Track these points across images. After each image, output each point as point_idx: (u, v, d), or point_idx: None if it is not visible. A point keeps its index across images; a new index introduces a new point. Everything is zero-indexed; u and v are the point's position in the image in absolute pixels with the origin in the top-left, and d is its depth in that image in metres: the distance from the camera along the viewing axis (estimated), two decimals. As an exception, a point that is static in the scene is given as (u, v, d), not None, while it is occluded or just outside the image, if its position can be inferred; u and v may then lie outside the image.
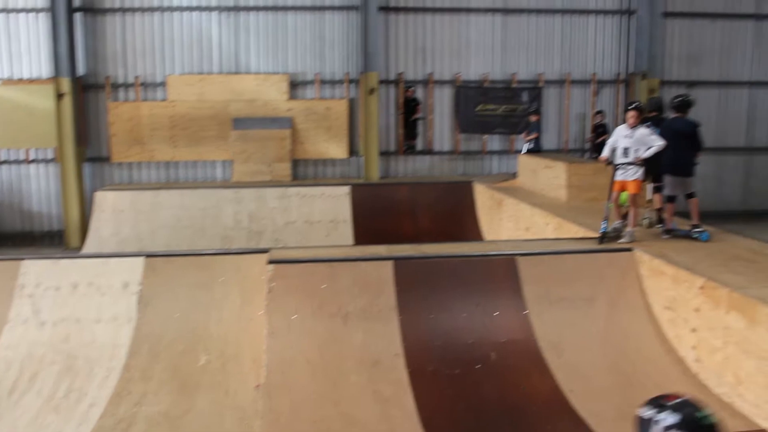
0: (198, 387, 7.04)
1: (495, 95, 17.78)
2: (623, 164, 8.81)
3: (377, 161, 17.07)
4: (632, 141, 8.73)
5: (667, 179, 9.21)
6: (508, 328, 7.52)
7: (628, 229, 8.80)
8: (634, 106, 8.88)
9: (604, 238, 8.80)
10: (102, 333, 7.72)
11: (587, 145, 17.83)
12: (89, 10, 16.42)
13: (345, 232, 15.10)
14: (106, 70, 16.67)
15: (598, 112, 17.36)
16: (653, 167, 9.16)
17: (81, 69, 16.45)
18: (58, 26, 15.57)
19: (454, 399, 6.53)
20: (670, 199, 9.19)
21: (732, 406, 6.26)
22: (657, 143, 8.63)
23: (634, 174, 8.80)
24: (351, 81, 17.38)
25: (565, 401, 6.53)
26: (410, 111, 17.40)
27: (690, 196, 9.18)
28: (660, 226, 9.35)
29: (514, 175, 15.95)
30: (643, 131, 8.75)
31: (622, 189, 8.95)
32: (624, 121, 8.99)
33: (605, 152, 9.14)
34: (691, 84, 18.22)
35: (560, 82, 18.04)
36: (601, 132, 16.68)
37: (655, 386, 6.74)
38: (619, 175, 8.88)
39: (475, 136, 18.04)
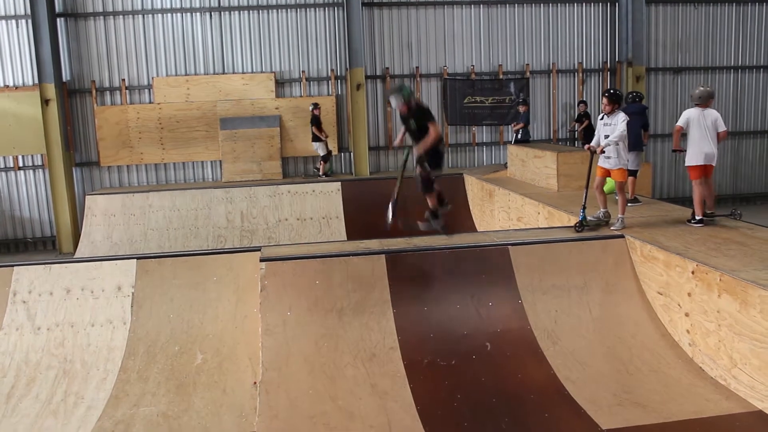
0: (195, 386, 7.03)
1: (482, 87, 17.82)
2: (605, 151, 8.81)
3: (367, 156, 17.09)
4: (610, 128, 8.78)
5: (632, 155, 10.43)
6: (502, 317, 7.53)
7: (619, 215, 8.83)
8: (605, 93, 8.93)
9: (581, 225, 8.85)
10: (97, 336, 7.71)
11: (569, 134, 17.97)
12: (71, 15, 16.35)
13: (337, 228, 15.13)
14: (91, 75, 16.63)
15: (581, 102, 17.43)
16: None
17: (66, 74, 16.40)
18: (40, 32, 15.51)
19: (450, 390, 6.53)
20: (633, 173, 10.77)
21: (727, 388, 6.31)
22: (619, 129, 8.66)
23: (616, 162, 8.82)
24: (337, 77, 17.38)
25: (562, 389, 6.54)
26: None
27: (633, 173, 10.80)
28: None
29: (504, 166, 15.98)
30: (618, 117, 8.76)
31: (606, 176, 9.01)
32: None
33: (594, 141, 9.17)
34: (677, 70, 18.32)
35: (547, 72, 18.08)
36: (584, 121, 16.81)
37: (651, 371, 6.80)
38: (602, 162, 8.93)
39: (464, 128, 18.07)
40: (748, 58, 18.67)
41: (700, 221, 8.81)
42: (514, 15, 17.80)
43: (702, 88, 8.97)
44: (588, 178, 9.08)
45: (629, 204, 9.94)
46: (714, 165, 8.89)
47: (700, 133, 8.74)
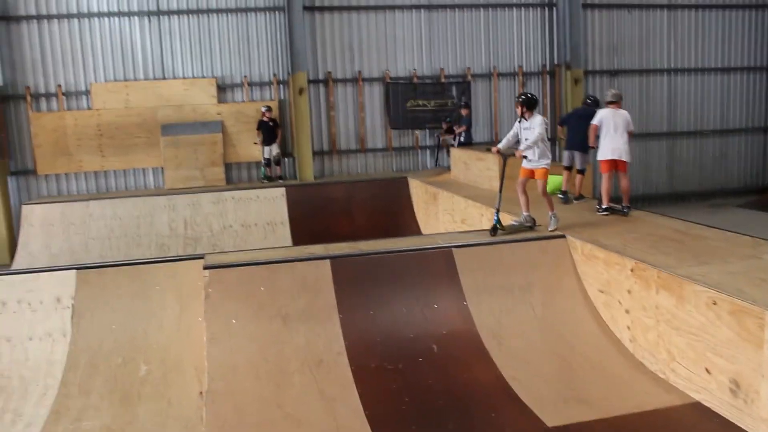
0: (140, 398, 6.90)
1: (424, 90, 17.95)
2: (526, 153, 8.88)
3: (311, 161, 17.03)
4: (529, 131, 8.82)
5: (578, 155, 11.24)
6: (448, 319, 7.60)
7: (549, 213, 8.93)
8: (518, 99, 8.96)
9: (495, 230, 8.85)
10: (36, 350, 7.48)
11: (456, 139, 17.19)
12: (3, 18, 15.88)
13: (283, 234, 15.03)
14: (26, 80, 16.16)
15: (465, 105, 17.16)
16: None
17: (-1, 80, 15.90)
18: (-29, 36, 15.01)
19: (398, 393, 6.56)
20: (581, 171, 11.39)
21: (667, 381, 6.48)
22: (536, 132, 8.71)
23: (539, 163, 8.91)
24: (280, 82, 17.29)
25: (508, 388, 6.62)
26: None
27: (581, 171, 11.42)
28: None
29: (447, 169, 16.11)
30: (535, 120, 8.82)
31: (531, 176, 9.03)
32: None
33: (501, 144, 9.20)
34: (614, 73, 18.76)
35: (488, 76, 18.32)
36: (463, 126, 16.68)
37: (593, 368, 6.94)
38: (526, 164, 9.02)
39: (407, 131, 18.16)
40: (681, 61, 19.24)
41: (606, 210, 9.85)
42: (455, 19, 17.98)
43: (613, 91, 10.08)
44: (501, 181, 9.16)
45: (575, 201, 11.05)
46: (626, 161, 9.79)
47: (612, 131, 9.72)
